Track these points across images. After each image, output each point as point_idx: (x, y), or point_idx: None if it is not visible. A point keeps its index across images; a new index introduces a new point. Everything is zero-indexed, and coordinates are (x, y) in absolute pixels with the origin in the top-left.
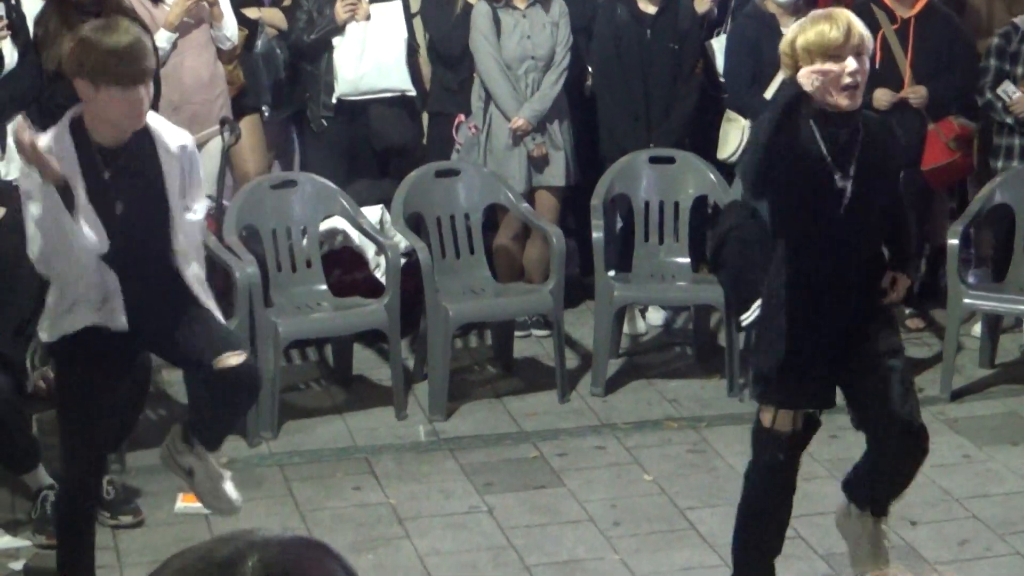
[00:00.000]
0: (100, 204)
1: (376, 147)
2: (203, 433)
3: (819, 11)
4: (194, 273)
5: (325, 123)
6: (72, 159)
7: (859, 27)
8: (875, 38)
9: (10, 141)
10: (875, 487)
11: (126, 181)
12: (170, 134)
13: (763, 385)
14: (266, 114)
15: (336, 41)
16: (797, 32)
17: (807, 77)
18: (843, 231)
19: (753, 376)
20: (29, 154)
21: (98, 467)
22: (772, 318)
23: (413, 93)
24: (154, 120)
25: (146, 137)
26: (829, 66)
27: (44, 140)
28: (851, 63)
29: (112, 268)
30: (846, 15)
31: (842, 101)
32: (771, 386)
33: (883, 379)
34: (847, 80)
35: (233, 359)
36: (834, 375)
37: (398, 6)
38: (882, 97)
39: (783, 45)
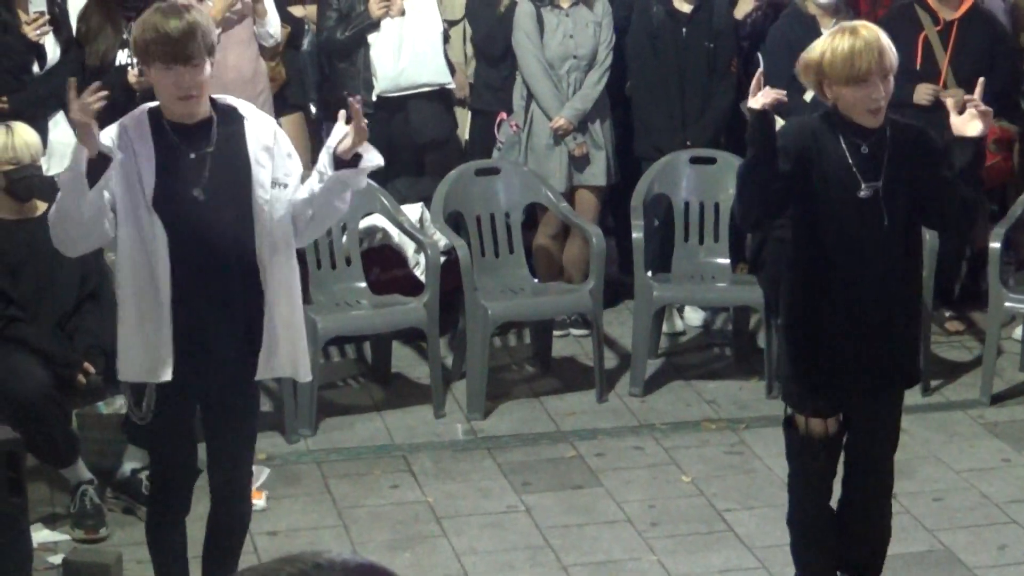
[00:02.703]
0: (176, 189)
1: (418, 141)
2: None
3: (847, 27)
4: (281, 279)
5: (366, 120)
6: (147, 142)
7: (886, 47)
8: (917, 38)
9: (52, 136)
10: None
11: (211, 166)
12: (258, 120)
13: (792, 393)
14: (313, 112)
15: (372, 38)
16: (824, 50)
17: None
18: (870, 240)
19: (782, 383)
20: (78, 109)
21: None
22: (797, 327)
23: (452, 85)
24: (244, 107)
25: (236, 124)
26: (855, 91)
27: (113, 129)
28: (877, 89)
29: (187, 271)
30: (874, 36)
31: (868, 121)
32: (800, 393)
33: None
34: (873, 106)
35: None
36: (855, 384)
37: None
38: (924, 93)
39: (809, 59)
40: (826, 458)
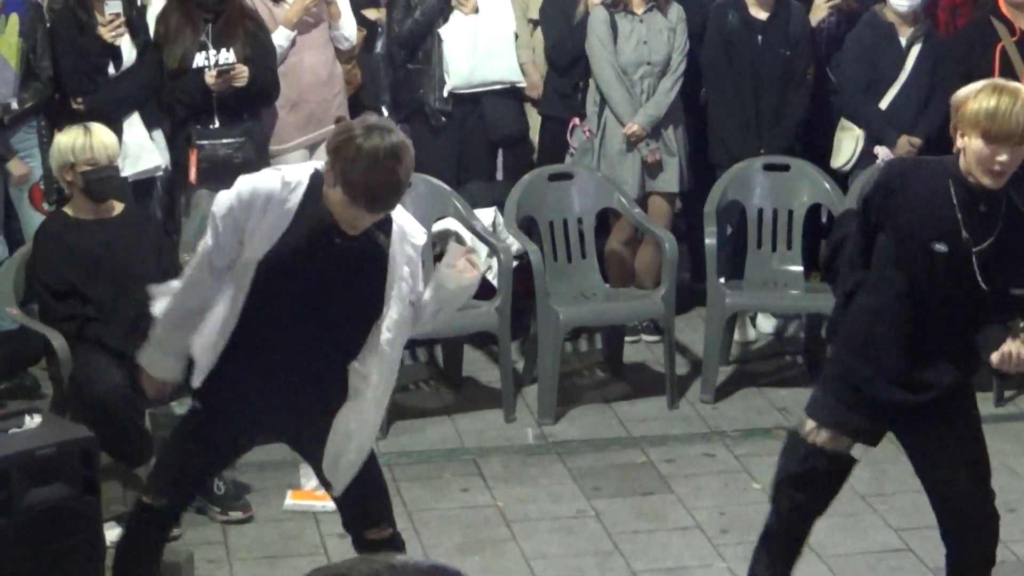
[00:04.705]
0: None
1: (492, 138)
2: None
3: (1001, 84)
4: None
5: (444, 119)
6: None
7: None
8: (995, 50)
9: (126, 138)
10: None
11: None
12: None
13: (818, 401)
14: (385, 115)
15: (445, 35)
16: (970, 97)
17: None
18: (958, 294)
19: (815, 391)
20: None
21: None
22: (854, 339)
23: (524, 84)
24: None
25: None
26: (983, 148)
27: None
28: (1005, 154)
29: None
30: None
31: (985, 180)
32: (824, 403)
33: (958, 471)
34: (996, 167)
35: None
36: (892, 421)
37: None
38: None
39: (956, 100)
40: (815, 488)
